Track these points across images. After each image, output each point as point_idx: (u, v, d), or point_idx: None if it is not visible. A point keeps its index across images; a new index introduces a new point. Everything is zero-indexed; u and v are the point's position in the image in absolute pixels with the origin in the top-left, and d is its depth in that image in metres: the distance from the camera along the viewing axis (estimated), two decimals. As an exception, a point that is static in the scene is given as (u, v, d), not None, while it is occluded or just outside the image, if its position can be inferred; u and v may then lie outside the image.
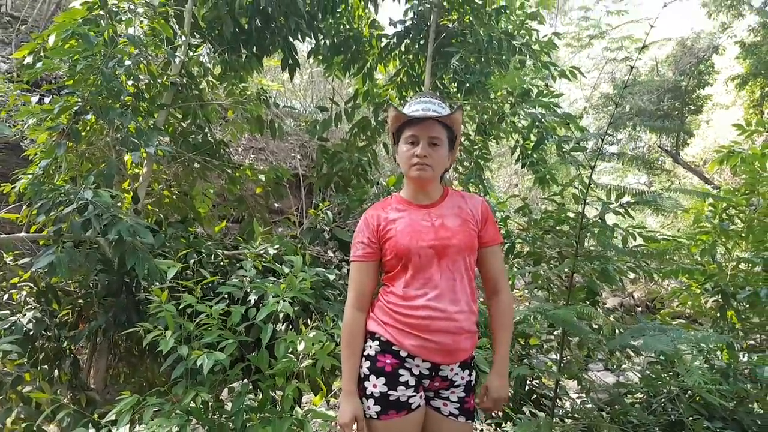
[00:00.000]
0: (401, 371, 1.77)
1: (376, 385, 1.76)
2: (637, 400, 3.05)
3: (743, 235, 4.06)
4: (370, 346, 1.81)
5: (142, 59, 3.41)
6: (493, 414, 1.91)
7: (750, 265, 3.85)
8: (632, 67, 2.36)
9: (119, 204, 2.92)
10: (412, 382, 1.77)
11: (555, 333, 3.21)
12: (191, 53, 4.01)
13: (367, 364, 1.79)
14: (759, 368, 2.69)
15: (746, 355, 3.35)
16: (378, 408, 1.74)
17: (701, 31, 13.30)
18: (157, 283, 2.55)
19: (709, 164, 4.80)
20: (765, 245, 3.83)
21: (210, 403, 2.26)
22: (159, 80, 3.62)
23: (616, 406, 2.89)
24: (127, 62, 3.24)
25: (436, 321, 1.74)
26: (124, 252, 2.58)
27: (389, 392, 1.75)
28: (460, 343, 1.79)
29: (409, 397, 1.76)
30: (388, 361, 1.77)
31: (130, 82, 3.42)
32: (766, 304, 3.35)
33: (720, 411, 2.71)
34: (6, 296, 3.06)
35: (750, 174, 4.08)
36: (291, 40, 4.33)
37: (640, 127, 11.60)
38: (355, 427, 1.75)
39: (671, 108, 12.45)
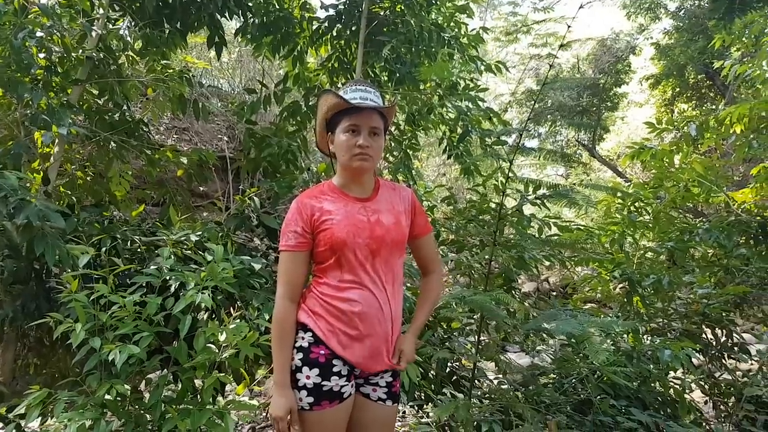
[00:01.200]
0: (335, 361, 1.77)
1: (309, 377, 1.75)
2: (550, 381, 3.23)
3: (650, 226, 4.36)
4: (303, 338, 1.79)
5: (55, 31, 3.21)
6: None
7: (655, 254, 4.14)
8: (551, 66, 2.47)
9: (28, 186, 2.75)
10: (344, 371, 1.79)
11: (475, 317, 3.33)
12: (110, 26, 3.80)
13: (300, 355, 1.78)
14: (660, 351, 2.90)
15: (650, 338, 3.62)
16: (311, 399, 1.74)
17: (620, 31, 14.03)
18: (69, 270, 2.43)
19: (622, 159, 5.10)
20: (669, 236, 4.13)
21: (127, 395, 2.19)
22: (74, 54, 3.40)
23: (531, 387, 3.04)
24: (39, 33, 3.04)
25: (366, 319, 1.77)
26: (33, 237, 2.43)
27: (323, 383, 1.75)
28: (388, 343, 1.83)
29: (342, 386, 1.77)
30: (322, 351, 1.77)
31: (41, 55, 3.21)
32: (669, 291, 3.62)
33: (625, 390, 2.91)
34: None
35: (658, 169, 4.38)
36: (218, 16, 4.16)
37: (560, 122, 12.15)
38: (288, 418, 1.74)
39: (590, 104, 13.08)
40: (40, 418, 2.10)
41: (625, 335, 3.30)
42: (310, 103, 4.48)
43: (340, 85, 4.85)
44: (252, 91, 4.44)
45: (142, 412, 2.23)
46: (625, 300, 3.75)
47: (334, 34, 4.79)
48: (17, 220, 2.37)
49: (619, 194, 4.23)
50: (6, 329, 2.95)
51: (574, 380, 3.09)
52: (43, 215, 2.41)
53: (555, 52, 2.57)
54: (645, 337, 3.59)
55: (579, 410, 2.87)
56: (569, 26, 2.26)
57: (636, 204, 4.34)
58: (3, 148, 3.03)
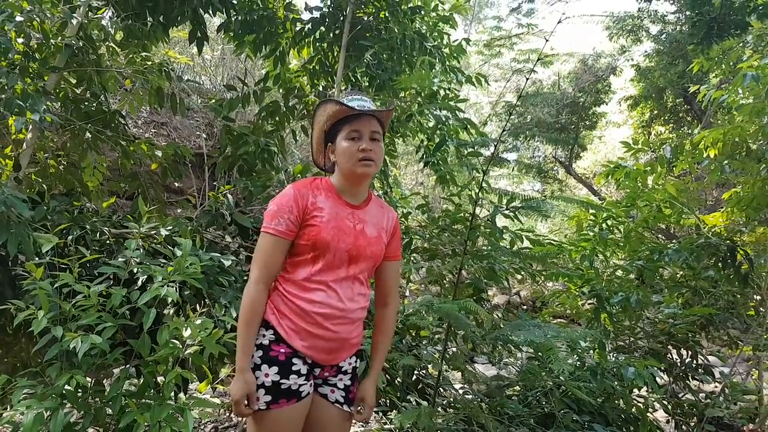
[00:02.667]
0: (294, 360, 1.77)
1: (268, 375, 1.74)
2: (515, 393, 3.24)
3: (621, 244, 4.41)
4: (264, 335, 1.79)
5: (35, 16, 3.17)
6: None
7: (624, 272, 4.18)
8: (527, 79, 2.51)
9: (-2, 171, 2.70)
10: (304, 370, 1.79)
11: (444, 326, 3.34)
12: (91, 15, 3.76)
13: (260, 353, 1.77)
14: (624, 368, 2.93)
15: (615, 355, 3.66)
16: (268, 398, 1.74)
17: (602, 51, 14.28)
18: (36, 258, 2.38)
19: (598, 177, 5.18)
20: (639, 255, 4.18)
21: (87, 387, 2.14)
22: (53, 41, 3.37)
23: (495, 398, 3.05)
24: (19, 18, 3.01)
25: (330, 319, 1.78)
26: (-1, 223, 2.38)
27: (281, 381, 1.75)
28: (348, 342, 1.85)
29: (300, 385, 1.77)
30: (282, 350, 1.77)
31: (20, 40, 3.18)
32: (636, 309, 3.65)
33: (588, 406, 2.92)
34: None
35: (632, 188, 4.44)
36: (201, 12, 4.16)
37: (538, 138, 12.28)
38: (246, 401, 1.73)
39: (568, 122, 13.25)
40: (-2, 406, 2.05)
41: (591, 351, 3.33)
42: (290, 104, 4.47)
43: (321, 88, 4.88)
44: (232, 88, 4.42)
45: (101, 404, 2.19)
46: (593, 317, 3.79)
47: (317, 36, 4.80)
48: (-18, 206, 2.32)
49: (591, 210, 4.28)
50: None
51: (538, 393, 3.10)
52: (9, 203, 2.37)
53: (534, 65, 2.62)
54: (611, 354, 3.63)
55: (542, 423, 2.88)
56: (547, 40, 2.31)
57: (608, 221, 4.39)
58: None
